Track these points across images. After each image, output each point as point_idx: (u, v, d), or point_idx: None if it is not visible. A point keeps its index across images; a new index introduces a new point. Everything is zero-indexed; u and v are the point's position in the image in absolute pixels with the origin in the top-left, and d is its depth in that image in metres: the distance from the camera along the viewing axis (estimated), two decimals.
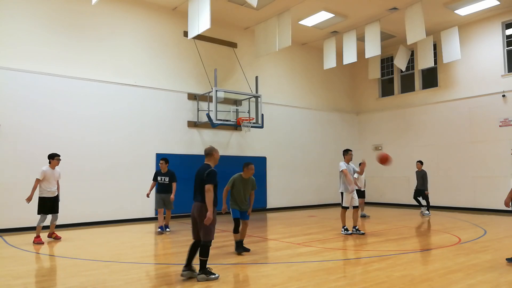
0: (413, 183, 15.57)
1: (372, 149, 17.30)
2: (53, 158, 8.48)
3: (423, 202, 12.87)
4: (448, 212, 13.62)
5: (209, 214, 5.16)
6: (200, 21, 10.38)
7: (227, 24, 14.04)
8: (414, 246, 7.52)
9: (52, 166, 8.45)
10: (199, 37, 12.29)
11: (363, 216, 12.19)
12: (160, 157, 10.01)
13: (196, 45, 13.06)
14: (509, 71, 13.38)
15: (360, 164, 9.53)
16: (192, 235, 5.47)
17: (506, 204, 6.03)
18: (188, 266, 5.36)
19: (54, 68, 10.63)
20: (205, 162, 5.52)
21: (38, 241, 8.09)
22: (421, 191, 12.71)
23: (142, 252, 7.40)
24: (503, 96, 13.30)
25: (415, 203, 13.03)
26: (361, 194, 11.70)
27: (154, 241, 8.58)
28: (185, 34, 12.66)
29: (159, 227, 9.52)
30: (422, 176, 12.74)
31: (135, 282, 5.17)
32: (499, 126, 13.36)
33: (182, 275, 5.32)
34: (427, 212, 12.75)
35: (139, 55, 12.14)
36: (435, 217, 12.19)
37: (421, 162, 12.91)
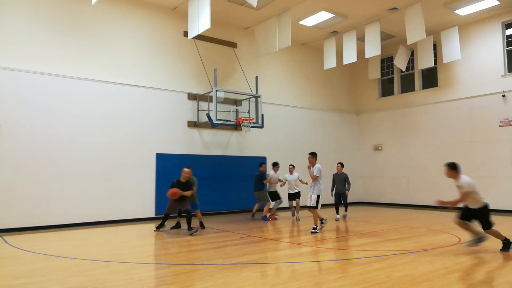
0: (413, 183, 15.66)
1: (372, 149, 17.31)
2: (274, 166, 12.38)
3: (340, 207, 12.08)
4: (448, 212, 13.60)
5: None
6: (200, 21, 10.38)
7: (227, 24, 14.04)
8: (414, 246, 7.52)
9: (276, 170, 12.32)
10: (199, 37, 12.30)
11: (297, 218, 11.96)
12: (160, 157, 10.18)
13: (196, 45, 13.06)
14: (509, 71, 13.38)
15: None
16: None
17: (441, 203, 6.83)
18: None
19: (54, 68, 10.63)
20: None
21: (272, 218, 11.78)
22: (341, 194, 11.93)
23: (142, 252, 7.40)
24: (503, 96, 13.30)
25: (415, 203, 12.87)
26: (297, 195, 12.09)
27: (154, 241, 8.58)
28: (185, 34, 12.66)
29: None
30: (344, 179, 11.94)
31: (135, 282, 5.17)
32: (499, 126, 13.36)
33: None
34: (346, 213, 12.29)
35: (139, 55, 12.14)
36: (435, 217, 12.20)
37: (342, 164, 12.19)
